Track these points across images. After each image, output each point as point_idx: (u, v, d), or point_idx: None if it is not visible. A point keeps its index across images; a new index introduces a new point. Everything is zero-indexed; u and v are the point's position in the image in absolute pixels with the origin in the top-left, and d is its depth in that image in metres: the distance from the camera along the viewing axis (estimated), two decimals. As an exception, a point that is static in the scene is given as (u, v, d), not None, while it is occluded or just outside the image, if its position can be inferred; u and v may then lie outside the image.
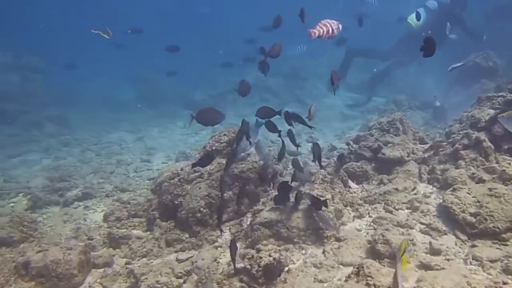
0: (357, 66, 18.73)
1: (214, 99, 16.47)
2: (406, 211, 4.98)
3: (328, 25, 4.89)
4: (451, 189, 4.74)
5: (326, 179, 4.94)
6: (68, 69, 15.94)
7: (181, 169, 5.42)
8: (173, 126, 13.82)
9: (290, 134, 4.85)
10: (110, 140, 12.10)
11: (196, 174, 5.32)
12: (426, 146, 6.16)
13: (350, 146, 6.31)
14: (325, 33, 4.84)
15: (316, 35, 4.81)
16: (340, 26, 4.90)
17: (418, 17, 10.67)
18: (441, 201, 4.84)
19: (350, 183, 5.72)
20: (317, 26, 4.87)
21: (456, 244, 4.16)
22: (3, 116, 13.45)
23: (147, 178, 8.08)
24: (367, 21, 11.78)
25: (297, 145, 5.10)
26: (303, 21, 5.09)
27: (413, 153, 5.98)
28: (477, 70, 11.08)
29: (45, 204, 6.79)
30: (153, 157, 9.88)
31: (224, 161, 5.32)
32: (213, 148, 5.56)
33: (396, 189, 5.30)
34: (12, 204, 6.87)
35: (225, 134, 5.68)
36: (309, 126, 4.99)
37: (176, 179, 5.35)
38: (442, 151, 5.71)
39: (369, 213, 5.00)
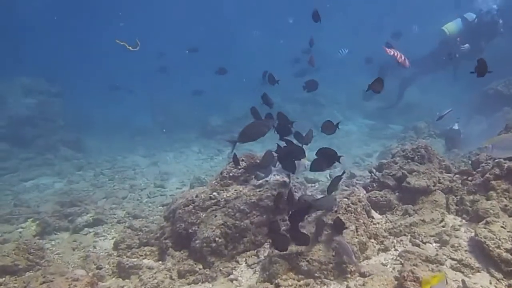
0: (373, 93, 18.60)
1: (230, 124, 16.35)
2: (434, 244, 4.65)
3: (402, 55, 5.44)
4: (484, 222, 4.41)
5: (350, 208, 4.65)
6: (113, 90, 15.98)
7: (196, 196, 5.18)
8: (188, 151, 13.68)
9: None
10: (124, 164, 11.98)
11: (212, 201, 5.08)
12: (453, 174, 5.85)
13: (373, 174, 6.02)
14: (398, 56, 5.31)
15: (392, 53, 5.10)
16: (408, 62, 5.30)
17: (454, 26, 10.56)
18: (472, 234, 4.51)
19: (373, 213, 5.42)
20: (393, 49, 5.29)
21: (490, 283, 3.82)
22: (19, 140, 13.50)
23: (160, 204, 7.86)
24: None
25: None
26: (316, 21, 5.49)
27: (440, 183, 5.66)
28: (499, 98, 10.78)
29: (54, 230, 6.61)
30: (167, 182, 9.68)
31: (241, 188, 5.09)
32: (230, 174, 5.33)
33: (423, 220, 4.98)
34: (20, 230, 6.70)
35: (242, 160, 5.45)
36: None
37: (190, 206, 5.11)
38: (472, 180, 5.40)
39: (394, 246, 4.68)
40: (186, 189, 8.86)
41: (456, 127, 10.29)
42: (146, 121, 18.88)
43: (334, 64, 15.77)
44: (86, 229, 6.60)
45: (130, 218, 6.98)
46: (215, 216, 4.86)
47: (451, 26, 10.66)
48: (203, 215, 4.99)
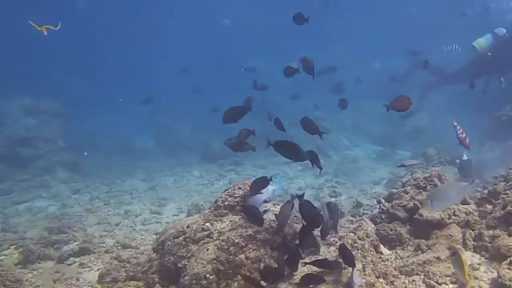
0: (380, 118, 18.25)
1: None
2: (451, 286, 4.15)
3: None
4: (507, 261, 3.93)
5: (357, 245, 4.18)
6: (145, 104, 15.74)
7: (188, 226, 4.72)
8: (188, 175, 13.27)
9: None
10: (122, 188, 11.58)
11: (204, 233, 4.62)
12: (471, 206, 5.36)
13: (381, 205, 5.55)
14: (463, 136, 5.32)
15: (458, 128, 5.21)
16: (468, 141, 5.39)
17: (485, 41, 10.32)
18: (494, 275, 4.01)
19: (382, 248, 4.93)
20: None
21: (518, 334, 3.31)
22: (17, 161, 13.20)
23: (154, 232, 7.39)
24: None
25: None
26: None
27: (455, 215, 5.18)
28: (514, 123, 10.35)
29: (38, 259, 6.16)
30: (164, 208, 9.24)
31: (237, 219, 4.65)
32: (226, 203, 4.89)
33: (438, 258, 4.48)
34: (2, 257, 6.24)
35: (239, 188, 5.01)
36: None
37: (181, 237, 4.65)
38: (491, 212, 4.91)
39: (406, 287, 4.19)
40: (184, 216, 8.42)
41: (465, 157, 9.79)
42: (149, 143, 18.53)
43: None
44: (71, 258, 6.13)
45: (119, 247, 6.51)
46: (207, 249, 4.39)
47: (482, 42, 10.39)
48: (194, 248, 4.53)
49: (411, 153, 14.28)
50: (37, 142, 14.03)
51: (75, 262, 6.04)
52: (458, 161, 9.50)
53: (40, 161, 13.48)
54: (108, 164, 15.29)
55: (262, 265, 4.25)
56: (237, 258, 4.30)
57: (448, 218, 5.07)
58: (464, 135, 4.96)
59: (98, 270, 5.65)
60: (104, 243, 6.76)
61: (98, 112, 23.02)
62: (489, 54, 10.04)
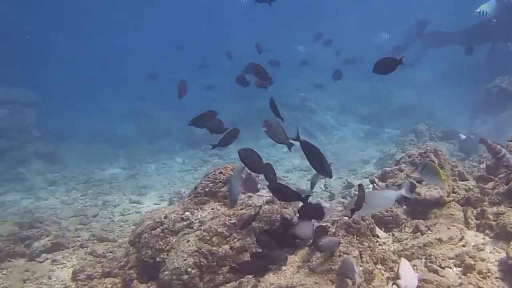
0: (367, 98, 17.93)
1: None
2: (455, 269, 3.81)
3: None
4: (516, 240, 3.60)
5: (352, 229, 3.78)
6: (151, 79, 15.07)
7: (165, 217, 4.27)
8: (171, 162, 12.77)
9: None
10: (101, 177, 11.04)
11: (184, 223, 4.19)
12: (470, 182, 5.02)
13: (375, 185, 5.18)
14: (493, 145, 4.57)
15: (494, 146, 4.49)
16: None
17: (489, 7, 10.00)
18: (502, 256, 3.68)
19: (378, 230, 4.56)
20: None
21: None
22: (-11, 154, 12.55)
23: (133, 223, 6.92)
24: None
25: None
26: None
27: (454, 192, 4.84)
28: (504, 96, 10.06)
29: (8, 257, 5.65)
30: (145, 197, 8.76)
31: (219, 206, 4.23)
32: (206, 189, 4.44)
33: (439, 239, 4.14)
34: (-32, 258, 5.72)
35: (221, 172, 4.56)
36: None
37: (158, 229, 4.21)
38: (494, 188, 4.57)
39: (407, 273, 3.82)
40: (165, 205, 7.99)
41: (462, 136, 9.46)
42: (130, 130, 17.92)
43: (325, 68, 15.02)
44: (43, 255, 5.62)
45: (95, 241, 6.03)
46: (188, 241, 3.96)
47: (486, 8, 10.01)
48: (174, 240, 4.10)
49: (400, 130, 14.02)
50: (10, 133, 13.33)
51: (47, 259, 5.52)
52: (461, 138, 9.19)
53: (14, 153, 12.81)
54: (88, 153, 14.69)
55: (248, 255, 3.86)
56: (220, 249, 3.88)
57: (447, 196, 4.72)
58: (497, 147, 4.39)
59: (72, 266, 5.20)
60: (79, 237, 6.24)
61: (77, 101, 22.29)
62: (494, 20, 9.68)
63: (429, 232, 4.33)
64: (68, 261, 5.43)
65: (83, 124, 19.02)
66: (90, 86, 25.10)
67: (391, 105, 16.92)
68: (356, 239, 3.75)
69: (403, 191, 3.67)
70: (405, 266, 3.62)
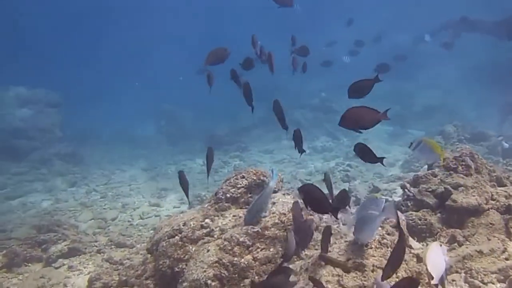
0: (389, 98, 17.46)
1: (237, 134, 15.27)
2: (498, 285, 3.49)
3: None
4: None
5: (386, 241, 3.49)
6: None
7: (184, 224, 4.06)
8: (191, 163, 12.61)
9: None
10: (121, 179, 10.95)
11: (204, 231, 3.97)
12: (510, 188, 4.65)
13: (406, 190, 4.85)
14: None
15: None
16: None
17: None
18: (552, 272, 3.35)
19: (411, 241, 4.25)
20: None
21: None
22: (12, 153, 12.64)
23: (152, 227, 6.74)
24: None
25: None
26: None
27: (493, 199, 4.48)
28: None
29: (25, 261, 5.54)
30: (164, 200, 8.59)
31: (241, 213, 4.00)
32: (228, 195, 4.21)
33: (479, 251, 3.81)
34: (-16, 261, 5.62)
35: (243, 176, 4.32)
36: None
37: (177, 237, 4.01)
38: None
39: (445, 289, 3.52)
40: (185, 208, 7.81)
41: (506, 145, 8.94)
42: (150, 130, 17.94)
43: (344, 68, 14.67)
44: (60, 260, 5.50)
45: (112, 247, 5.87)
46: (208, 250, 3.74)
47: None
48: (193, 249, 3.88)
49: (425, 132, 13.57)
50: (33, 133, 13.47)
51: (63, 264, 5.40)
52: (504, 146, 8.73)
53: (37, 153, 12.91)
54: (109, 154, 14.73)
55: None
56: (242, 260, 3.65)
57: (486, 203, 4.37)
58: None
59: (88, 273, 5.04)
60: (96, 241, 6.11)
61: (99, 101, 22.50)
62: None
63: (468, 243, 4.02)
64: (84, 267, 5.29)
65: (105, 125, 19.20)
66: (113, 87, 25.35)
67: (414, 105, 16.44)
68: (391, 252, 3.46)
69: (387, 213, 3.30)
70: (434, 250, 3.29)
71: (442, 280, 2.81)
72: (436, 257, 2.95)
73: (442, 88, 16.26)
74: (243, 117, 16.98)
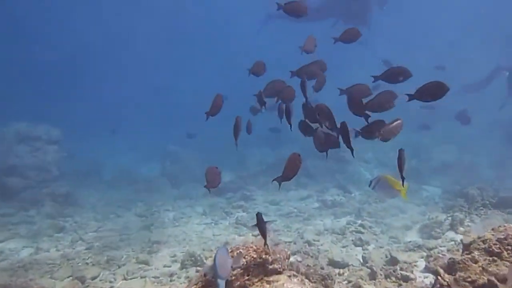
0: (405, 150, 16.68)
1: (243, 180, 14.51)
2: None
3: None
4: None
5: None
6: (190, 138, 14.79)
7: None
8: (191, 211, 11.76)
9: None
10: (114, 226, 10.11)
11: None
12: None
13: (440, 278, 3.98)
14: None
15: None
16: None
17: None
18: None
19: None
20: None
21: None
22: (4, 192, 11.99)
23: (135, 293, 5.87)
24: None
25: None
26: None
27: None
28: None
29: (-22, 333, 4.68)
30: (155, 256, 7.69)
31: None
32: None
33: None
34: None
35: (240, 252, 3.52)
36: None
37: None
38: None
39: None
40: (176, 268, 6.95)
41: None
42: (155, 171, 17.28)
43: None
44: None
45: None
46: None
47: None
48: None
49: (441, 189, 12.75)
50: (27, 171, 12.81)
51: None
52: None
53: (29, 193, 12.24)
54: (107, 195, 14.00)
55: None
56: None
57: None
58: None
59: None
60: (66, 312, 5.27)
61: (103, 138, 22.07)
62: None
63: None
64: None
65: (107, 163, 18.68)
66: (119, 124, 25.05)
67: (431, 160, 15.67)
68: None
69: None
70: None
71: None
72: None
73: (458, 143, 15.67)
74: (251, 162, 16.29)
